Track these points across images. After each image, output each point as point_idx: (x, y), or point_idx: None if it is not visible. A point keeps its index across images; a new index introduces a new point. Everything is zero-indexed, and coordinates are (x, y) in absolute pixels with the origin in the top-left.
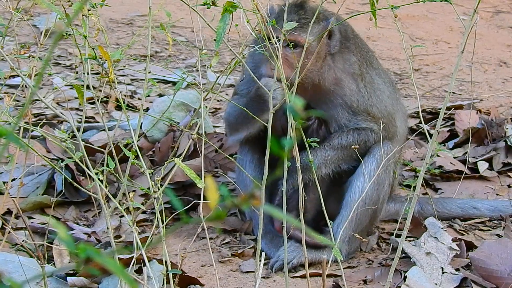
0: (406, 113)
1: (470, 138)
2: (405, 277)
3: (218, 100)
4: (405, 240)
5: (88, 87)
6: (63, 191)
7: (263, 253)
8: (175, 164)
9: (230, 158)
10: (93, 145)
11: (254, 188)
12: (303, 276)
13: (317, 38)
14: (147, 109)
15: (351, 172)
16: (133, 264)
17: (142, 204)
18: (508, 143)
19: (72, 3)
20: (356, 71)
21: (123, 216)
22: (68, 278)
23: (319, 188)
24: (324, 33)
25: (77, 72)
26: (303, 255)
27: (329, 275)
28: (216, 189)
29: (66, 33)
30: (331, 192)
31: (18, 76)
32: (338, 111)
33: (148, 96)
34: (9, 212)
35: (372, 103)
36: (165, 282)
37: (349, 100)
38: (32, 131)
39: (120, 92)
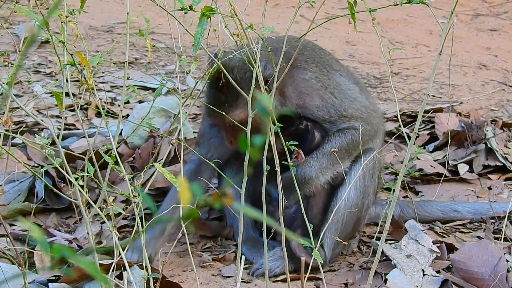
0: (380, 110)
1: (449, 140)
2: (385, 280)
3: (197, 106)
4: (386, 243)
5: (67, 94)
6: (44, 198)
7: (243, 258)
8: (156, 170)
9: (210, 163)
10: (73, 151)
11: (226, 187)
12: (285, 280)
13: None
14: (127, 115)
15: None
16: (113, 270)
17: (123, 210)
18: (488, 145)
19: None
20: (315, 86)
21: (104, 222)
22: (50, 284)
23: (301, 201)
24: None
25: (57, 80)
26: (287, 265)
27: (310, 279)
28: (188, 188)
29: (45, 40)
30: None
31: None
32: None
33: (128, 102)
34: None
35: (347, 106)
36: (145, 287)
37: (320, 115)
38: (13, 138)
39: (100, 99)
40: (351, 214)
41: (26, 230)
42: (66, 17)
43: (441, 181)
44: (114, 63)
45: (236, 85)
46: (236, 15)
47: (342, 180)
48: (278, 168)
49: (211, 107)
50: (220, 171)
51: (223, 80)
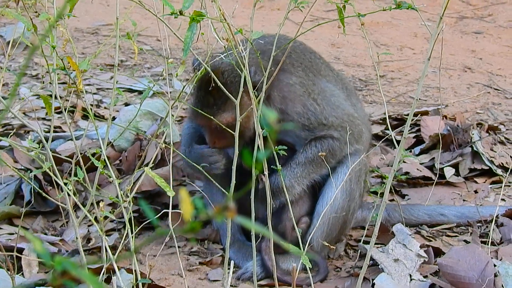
0: (366, 116)
1: (440, 144)
2: (373, 284)
3: (184, 109)
4: (373, 246)
5: (55, 97)
6: (31, 201)
7: (232, 262)
8: (142, 173)
9: (198, 166)
10: (60, 154)
11: (226, 199)
12: (271, 285)
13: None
14: (114, 118)
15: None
16: (102, 274)
17: (111, 212)
18: (474, 148)
19: (38, 14)
20: (299, 91)
21: (91, 225)
22: None
23: (290, 209)
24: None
25: (43, 82)
26: (271, 269)
27: (298, 284)
28: (190, 201)
29: (32, 44)
30: (308, 210)
31: None
32: (294, 132)
33: (115, 105)
34: None
35: (328, 114)
36: None
37: (300, 122)
38: (0, 141)
39: (86, 101)
40: (337, 218)
41: (12, 234)
42: (56, 21)
43: (433, 185)
44: (101, 69)
45: (224, 89)
46: (225, 19)
47: (327, 182)
48: (266, 172)
49: (198, 110)
50: (208, 175)
51: (213, 84)
